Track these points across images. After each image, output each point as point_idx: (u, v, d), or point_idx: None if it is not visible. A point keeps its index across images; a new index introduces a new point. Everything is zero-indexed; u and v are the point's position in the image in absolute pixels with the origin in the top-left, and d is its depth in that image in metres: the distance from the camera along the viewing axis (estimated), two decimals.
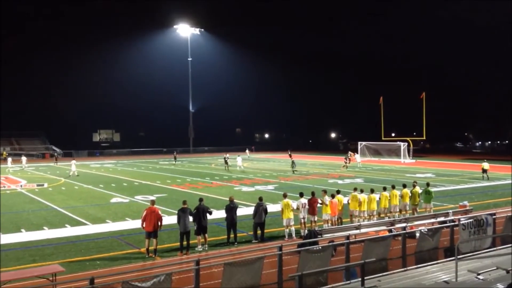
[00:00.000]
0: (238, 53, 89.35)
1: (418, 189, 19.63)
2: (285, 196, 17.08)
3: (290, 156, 57.01)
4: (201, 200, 15.69)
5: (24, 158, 51.99)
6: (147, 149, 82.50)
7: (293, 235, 16.50)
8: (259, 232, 16.30)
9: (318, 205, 17.32)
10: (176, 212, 15.33)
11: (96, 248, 15.40)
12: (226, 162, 45.53)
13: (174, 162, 56.82)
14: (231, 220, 15.86)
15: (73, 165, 40.98)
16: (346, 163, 46.46)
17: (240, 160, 45.29)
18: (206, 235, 15.24)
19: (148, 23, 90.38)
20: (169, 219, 19.08)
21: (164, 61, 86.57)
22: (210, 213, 15.48)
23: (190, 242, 14.86)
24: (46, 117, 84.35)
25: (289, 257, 11.54)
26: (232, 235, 15.88)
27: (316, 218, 17.09)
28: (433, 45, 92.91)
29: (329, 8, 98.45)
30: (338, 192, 18.40)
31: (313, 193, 17.72)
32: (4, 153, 65.45)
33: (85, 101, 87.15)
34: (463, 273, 9.45)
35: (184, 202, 15.29)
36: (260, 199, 16.84)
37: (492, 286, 8.77)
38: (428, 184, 20.16)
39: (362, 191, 18.74)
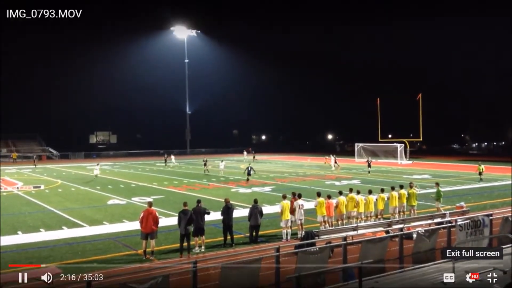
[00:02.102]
0: (235, 55, 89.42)
1: (415, 190, 19.87)
2: (284, 197, 17.10)
3: (254, 157, 55.14)
4: (199, 201, 15.67)
5: None
6: (144, 151, 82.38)
7: (289, 237, 16.52)
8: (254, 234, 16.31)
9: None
10: (173, 213, 15.31)
11: (93, 250, 15.36)
12: (205, 165, 44.19)
13: (164, 165, 55.72)
14: (227, 222, 15.86)
15: (97, 170, 41.02)
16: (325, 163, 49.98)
17: (222, 165, 42.62)
18: (203, 237, 15.22)
19: (145, 25, 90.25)
20: (166, 221, 19.07)
21: (161, 63, 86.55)
22: (208, 213, 15.52)
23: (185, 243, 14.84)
24: (43, 119, 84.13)
25: (287, 259, 11.54)
26: (228, 237, 15.86)
27: (294, 218, 17.05)
28: (430, 47, 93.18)
29: (327, 10, 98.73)
30: (340, 193, 18.43)
31: (293, 194, 17.81)
32: (14, 154, 66.27)
33: (82, 103, 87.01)
34: (461, 274, 9.48)
35: (185, 204, 15.26)
36: (255, 201, 16.78)
37: (489, 287, 8.80)
38: (437, 184, 21.24)
39: (358, 192, 18.78)
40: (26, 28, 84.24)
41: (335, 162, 46.65)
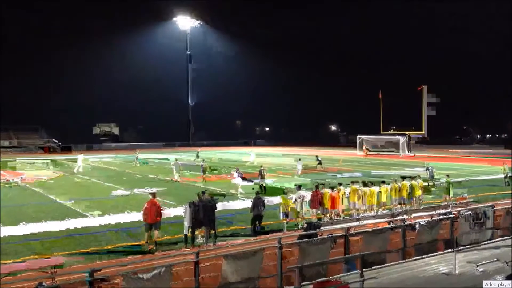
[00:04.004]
0: (238, 46, 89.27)
1: (419, 182, 19.95)
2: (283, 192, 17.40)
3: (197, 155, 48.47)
4: (203, 193, 15.75)
5: None
6: (146, 142, 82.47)
7: (285, 229, 16.63)
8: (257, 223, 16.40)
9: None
10: (176, 204, 15.34)
11: (97, 241, 15.43)
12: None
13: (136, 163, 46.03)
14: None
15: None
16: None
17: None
18: (207, 228, 15.22)
19: (148, 16, 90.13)
20: (170, 212, 19.10)
21: (164, 54, 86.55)
22: (215, 206, 15.50)
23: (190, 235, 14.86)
24: (45, 111, 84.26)
25: (289, 250, 11.56)
26: (212, 231, 15.11)
27: (318, 211, 17.27)
28: (433, 38, 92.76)
29: (330, 3, 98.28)
30: (339, 184, 18.49)
31: (317, 186, 17.96)
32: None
33: (85, 95, 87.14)
34: (463, 265, 9.50)
35: (199, 195, 15.42)
36: (258, 192, 17.08)
37: (492, 277, 8.81)
38: (447, 176, 22.13)
39: (364, 183, 18.83)
40: (28, 21, 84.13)
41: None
